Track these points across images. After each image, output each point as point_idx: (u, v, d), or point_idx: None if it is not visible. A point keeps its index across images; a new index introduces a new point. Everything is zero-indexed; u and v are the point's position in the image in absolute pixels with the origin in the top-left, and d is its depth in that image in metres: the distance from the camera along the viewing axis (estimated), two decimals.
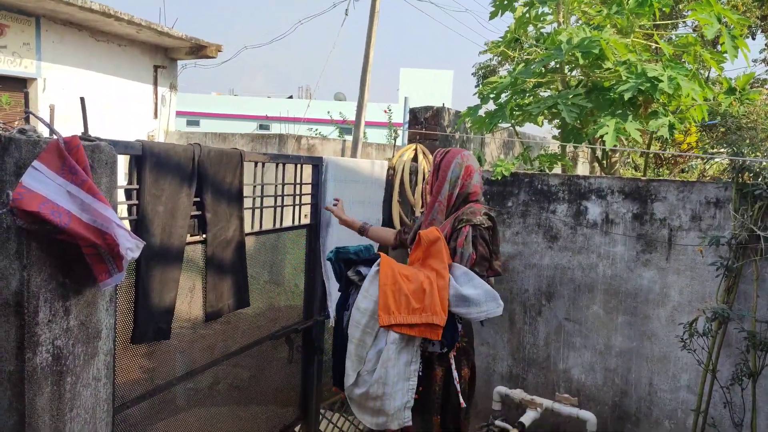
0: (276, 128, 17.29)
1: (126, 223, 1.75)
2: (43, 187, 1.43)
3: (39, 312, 1.49)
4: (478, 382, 3.80)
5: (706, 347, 2.83)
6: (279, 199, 2.99)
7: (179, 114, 10.91)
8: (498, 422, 3.27)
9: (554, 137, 4.55)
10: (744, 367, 2.70)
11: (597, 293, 3.34)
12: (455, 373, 2.40)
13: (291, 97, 24.27)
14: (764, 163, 2.73)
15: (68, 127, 1.54)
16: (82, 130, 1.68)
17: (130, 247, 1.54)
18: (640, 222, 3.21)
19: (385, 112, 10.43)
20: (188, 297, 2.48)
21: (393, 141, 6.07)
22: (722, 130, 3.06)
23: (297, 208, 3.18)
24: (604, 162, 4.05)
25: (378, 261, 2.33)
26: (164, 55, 8.89)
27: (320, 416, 3.34)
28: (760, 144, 2.73)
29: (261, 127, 19.65)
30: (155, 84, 8.75)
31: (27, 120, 1.66)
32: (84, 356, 1.64)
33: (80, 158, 1.51)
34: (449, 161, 2.55)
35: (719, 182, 2.98)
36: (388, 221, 3.97)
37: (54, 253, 1.52)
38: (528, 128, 6.16)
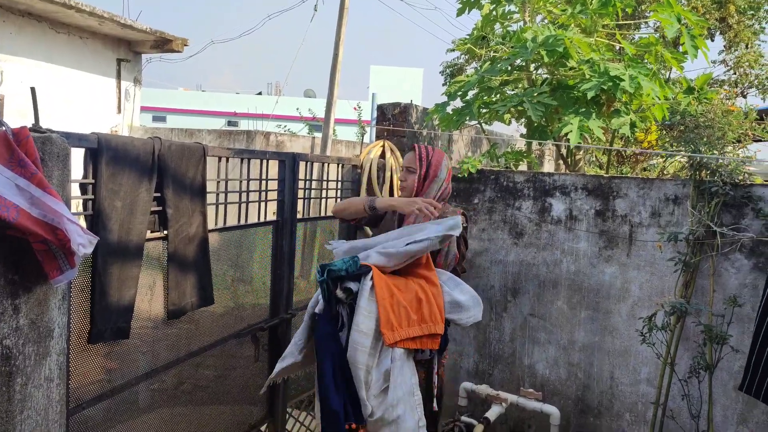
0: (245, 125, 17.08)
1: (81, 219, 1.70)
2: None
3: None
4: (446, 377, 3.83)
5: (664, 341, 2.90)
6: (244, 195, 2.95)
7: (144, 109, 10.68)
8: (464, 418, 3.29)
9: (522, 135, 4.61)
10: (701, 360, 2.78)
11: (561, 289, 3.39)
12: (435, 377, 2.40)
13: (260, 93, 24.00)
14: (720, 161, 2.81)
15: (27, 121, 1.48)
16: (33, 122, 1.62)
17: (83, 242, 1.49)
18: (602, 218, 3.26)
19: (355, 109, 10.40)
20: (149, 295, 2.42)
21: (361, 138, 6.05)
22: (681, 128, 3.13)
23: (263, 204, 3.14)
24: (569, 159, 4.11)
25: (369, 274, 2.14)
26: (128, 48, 8.68)
27: (287, 415, 3.30)
28: (716, 142, 2.80)
29: (229, 123, 19.39)
30: (118, 78, 8.54)
31: None
32: (35, 356, 1.58)
33: (30, 150, 1.45)
34: (439, 161, 2.57)
35: (678, 179, 3.05)
36: None
37: (2, 249, 1.46)
38: (496, 126, 6.22)
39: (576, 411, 3.33)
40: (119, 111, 8.56)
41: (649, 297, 3.09)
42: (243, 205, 2.94)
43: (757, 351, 2.24)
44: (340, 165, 3.97)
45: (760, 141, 3.17)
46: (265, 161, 3.12)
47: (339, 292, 2.15)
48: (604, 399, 3.25)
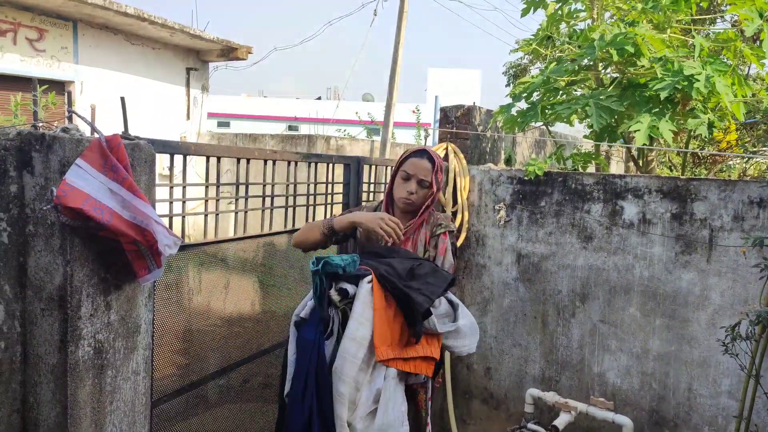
0: (305, 129, 17.44)
1: (166, 221, 1.78)
2: (86, 184, 1.45)
3: (81, 306, 1.52)
4: (511, 383, 3.77)
5: (748, 352, 2.74)
6: (312, 198, 3.01)
7: (210, 115, 11.09)
8: (531, 425, 3.23)
9: (585, 136, 4.47)
10: None
11: (633, 295, 3.26)
12: (428, 404, 2.15)
13: (319, 98, 24.44)
14: None
15: (104, 128, 1.57)
16: (123, 129, 1.71)
17: (168, 243, 1.57)
18: (679, 222, 3.12)
19: (414, 112, 10.41)
20: (223, 294, 2.51)
21: (423, 140, 6.05)
22: (764, 128, 2.95)
23: (329, 207, 3.20)
24: (641, 161, 3.96)
25: (369, 277, 1.89)
26: (196, 57, 9.04)
27: None
28: None
29: (290, 128, 19.84)
30: (187, 86, 8.90)
31: (69, 119, 1.70)
32: (124, 350, 1.67)
33: (121, 156, 1.53)
34: (445, 171, 2.49)
35: (763, 181, 2.88)
36: None
37: (96, 250, 1.55)
38: (559, 127, 6.07)
39: (650, 423, 3.19)
40: (188, 118, 8.93)
41: (731, 305, 2.93)
42: (310, 208, 3.00)
43: None
44: None
45: None
46: (331, 165, 3.19)
47: (333, 293, 1.88)
48: (681, 411, 3.10)
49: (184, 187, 2.19)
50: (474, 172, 4.04)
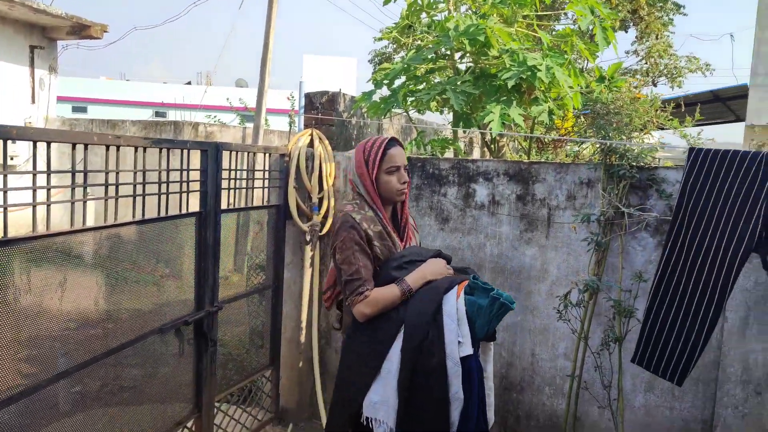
0: (173, 116, 16.51)
1: None
2: None
3: None
4: None
5: (579, 317, 3.05)
6: (165, 187, 2.86)
7: (62, 99, 10.12)
8: None
9: (449, 123, 4.69)
10: (611, 333, 2.95)
11: (485, 272, 3.50)
12: None
13: (189, 83, 23.21)
14: (627, 146, 2.98)
15: None
16: None
17: None
18: (523, 203, 3.39)
19: (288, 99, 10.25)
20: (59, 293, 2.32)
21: (290, 127, 6.00)
22: (593, 115, 3.29)
23: (185, 195, 3.06)
24: (493, 146, 4.23)
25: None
26: (41, 34, 8.17)
27: (215, 410, 3.26)
28: (624, 128, 2.96)
29: (157, 114, 18.66)
30: (32, 66, 8.03)
31: None
32: None
33: None
34: None
35: (590, 164, 3.21)
36: (284, 208, 3.93)
37: None
38: (429, 115, 6.31)
39: (500, 388, 3.45)
40: (33, 101, 8.07)
41: (566, 276, 3.25)
42: (163, 197, 2.85)
43: (649, 326, 2.40)
44: (267, 154, 3.92)
45: (664, 129, 3.37)
46: (186, 151, 3.04)
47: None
48: (525, 375, 3.39)
49: (4, 176, 1.99)
50: (339, 158, 4.07)
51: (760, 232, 2.06)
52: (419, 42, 4.27)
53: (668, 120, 3.20)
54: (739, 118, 9.82)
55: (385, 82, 4.01)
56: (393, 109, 4.61)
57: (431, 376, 1.93)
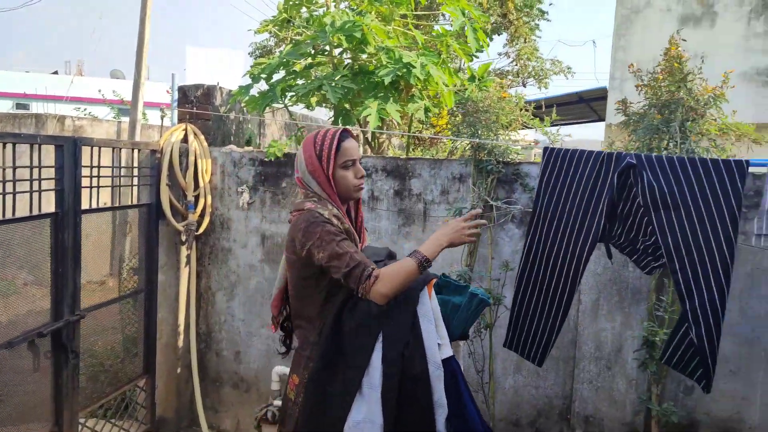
0: (37, 108, 15.04)
1: None
2: None
3: None
4: (260, 364, 3.80)
5: None
6: (9, 185, 2.59)
7: None
8: (276, 401, 3.30)
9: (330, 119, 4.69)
10: (482, 320, 3.10)
11: None
12: None
13: (56, 72, 21.27)
14: (494, 143, 3.14)
15: None
16: None
17: None
18: (401, 198, 3.46)
19: (168, 92, 9.70)
20: None
21: (161, 121, 5.69)
22: (464, 113, 3.43)
23: (37, 195, 2.80)
24: (374, 143, 4.28)
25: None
26: None
27: (80, 426, 3.02)
28: (491, 125, 3.12)
29: (19, 106, 16.91)
30: None
31: None
32: None
33: None
34: None
35: (462, 159, 3.35)
36: (157, 207, 3.72)
37: None
38: (320, 112, 6.24)
39: None
40: None
41: (441, 268, 3.35)
42: (8, 197, 2.58)
43: (516, 311, 2.55)
44: (136, 150, 3.69)
45: (528, 127, 3.60)
46: (36, 146, 2.78)
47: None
48: None
49: None
50: (216, 154, 3.94)
51: (604, 225, 2.26)
52: (298, 37, 4.21)
53: (530, 119, 3.41)
54: (601, 118, 10.77)
55: (263, 76, 3.91)
56: (274, 105, 4.52)
57: (418, 382, 1.78)
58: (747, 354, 2.86)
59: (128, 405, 3.55)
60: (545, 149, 2.47)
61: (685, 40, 2.83)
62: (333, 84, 3.58)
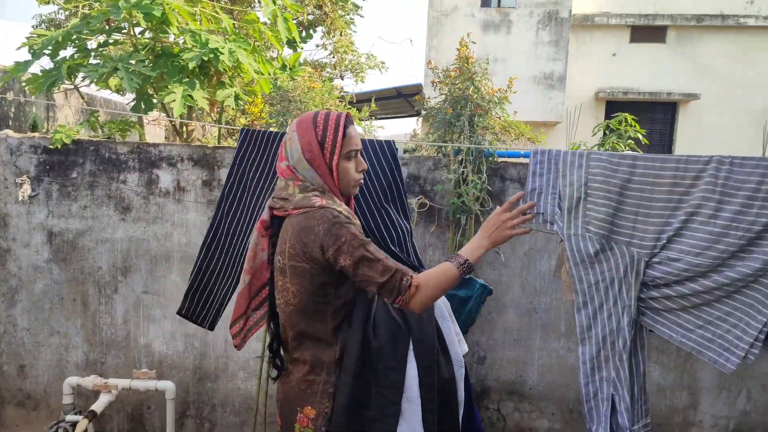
0: None
1: None
2: None
3: None
4: (51, 377, 3.38)
5: None
6: None
7: None
8: (69, 417, 2.97)
9: (129, 104, 4.31)
10: None
11: (174, 262, 3.33)
12: None
13: None
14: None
15: None
16: None
17: None
18: (209, 188, 3.31)
19: None
20: None
21: None
22: (270, 103, 3.39)
23: None
24: (182, 130, 4.04)
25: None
26: None
27: None
28: (299, 114, 3.12)
29: None
30: None
31: None
32: None
33: None
34: None
35: None
36: None
37: None
38: (118, 95, 5.67)
39: (194, 380, 3.35)
40: None
41: None
42: None
43: (198, 281, 2.79)
44: None
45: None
46: None
47: None
48: (220, 363, 3.35)
49: None
50: None
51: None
52: (89, 10, 3.78)
53: (347, 108, 3.48)
54: (418, 113, 11.46)
55: (46, 52, 3.45)
56: (63, 86, 4.02)
57: (448, 385, 1.71)
58: (527, 324, 3.24)
59: None
60: (242, 130, 2.74)
61: (474, 43, 3.10)
62: (130, 69, 3.28)
